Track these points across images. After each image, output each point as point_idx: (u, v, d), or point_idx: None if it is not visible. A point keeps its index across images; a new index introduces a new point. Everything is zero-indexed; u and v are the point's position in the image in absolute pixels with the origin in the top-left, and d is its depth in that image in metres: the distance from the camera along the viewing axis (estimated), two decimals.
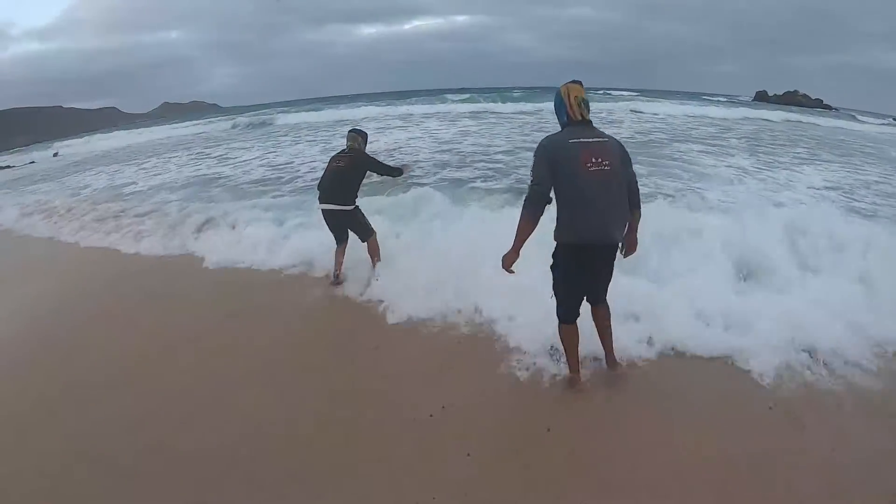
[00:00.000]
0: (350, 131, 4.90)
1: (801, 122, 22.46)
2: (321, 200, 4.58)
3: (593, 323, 2.96)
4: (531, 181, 2.54)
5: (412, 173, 5.42)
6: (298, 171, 10.05)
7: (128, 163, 15.76)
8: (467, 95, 31.82)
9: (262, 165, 11.36)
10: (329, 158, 4.81)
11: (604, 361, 3.03)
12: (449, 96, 29.78)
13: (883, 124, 29.23)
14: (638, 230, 2.82)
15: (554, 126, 2.79)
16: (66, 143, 32.64)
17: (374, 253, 4.65)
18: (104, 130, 35.49)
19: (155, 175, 12.12)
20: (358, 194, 4.63)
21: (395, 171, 4.73)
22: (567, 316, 2.81)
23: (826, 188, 7.90)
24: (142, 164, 14.93)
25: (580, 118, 2.63)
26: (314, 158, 11.28)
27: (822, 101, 48.43)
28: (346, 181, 4.54)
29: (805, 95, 50.22)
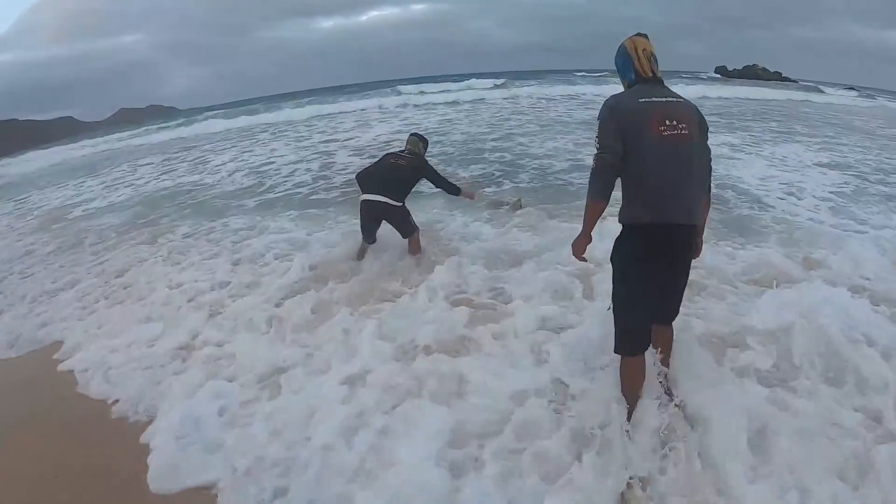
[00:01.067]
0: (412, 135, 4.83)
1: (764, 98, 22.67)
2: (369, 191, 4.38)
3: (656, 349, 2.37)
4: (598, 148, 2.12)
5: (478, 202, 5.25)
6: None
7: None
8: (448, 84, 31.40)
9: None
10: (383, 154, 4.71)
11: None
12: (426, 87, 29.30)
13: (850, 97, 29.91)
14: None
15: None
16: (24, 156, 31.05)
17: (416, 250, 4.55)
18: (61, 142, 33.90)
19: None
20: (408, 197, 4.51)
21: (453, 188, 4.61)
22: (635, 343, 2.27)
23: (827, 166, 8.00)
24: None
25: (651, 74, 2.24)
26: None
27: (780, 73, 50.06)
28: (402, 179, 4.42)
29: (764, 69, 51.75)
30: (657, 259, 2.17)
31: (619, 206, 2.20)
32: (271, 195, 7.87)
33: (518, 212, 5.64)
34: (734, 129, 11.99)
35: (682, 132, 2.10)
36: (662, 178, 2.08)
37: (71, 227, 7.84)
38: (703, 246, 2.47)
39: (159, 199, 8.79)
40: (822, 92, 30.79)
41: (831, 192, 6.42)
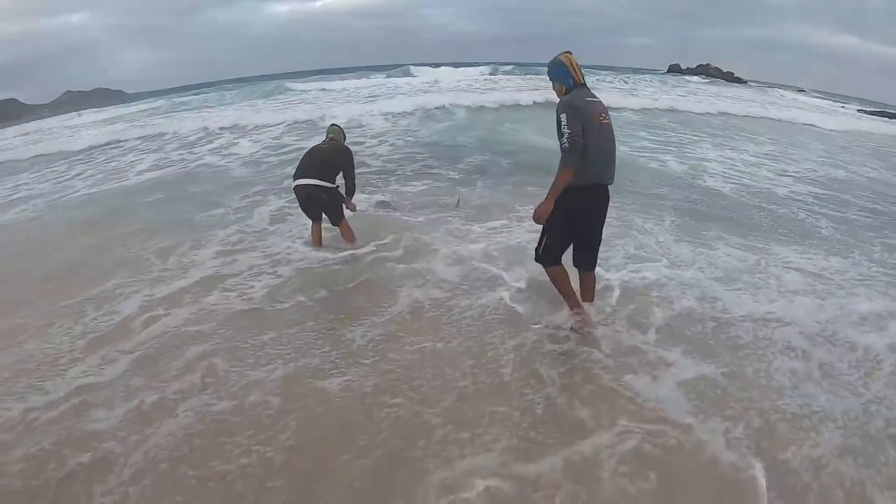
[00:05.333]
0: (332, 125, 5.26)
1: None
2: (300, 177, 4.64)
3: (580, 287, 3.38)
4: (569, 135, 2.89)
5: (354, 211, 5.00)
6: None
7: None
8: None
9: None
10: (308, 149, 4.97)
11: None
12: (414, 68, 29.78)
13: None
14: None
15: None
16: None
17: (350, 238, 4.78)
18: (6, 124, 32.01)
19: None
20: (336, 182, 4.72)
21: (351, 189, 4.87)
22: (556, 259, 3.22)
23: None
24: None
25: (583, 81, 3.15)
26: None
27: (732, 73, 52.45)
28: (328, 162, 4.71)
29: (717, 68, 54.04)
30: (583, 213, 3.13)
31: None
32: None
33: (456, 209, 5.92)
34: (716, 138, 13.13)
35: (607, 121, 3.11)
36: (601, 152, 3.03)
37: None
38: None
39: None
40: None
41: None
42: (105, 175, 10.08)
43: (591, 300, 3.46)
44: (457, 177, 7.80)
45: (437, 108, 15.39)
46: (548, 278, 3.35)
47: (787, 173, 9.57)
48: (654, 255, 4.64)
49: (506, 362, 3.03)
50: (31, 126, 23.75)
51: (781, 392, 2.78)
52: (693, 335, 3.31)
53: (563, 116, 2.94)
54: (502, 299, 3.73)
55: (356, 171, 4.98)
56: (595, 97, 3.14)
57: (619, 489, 2.17)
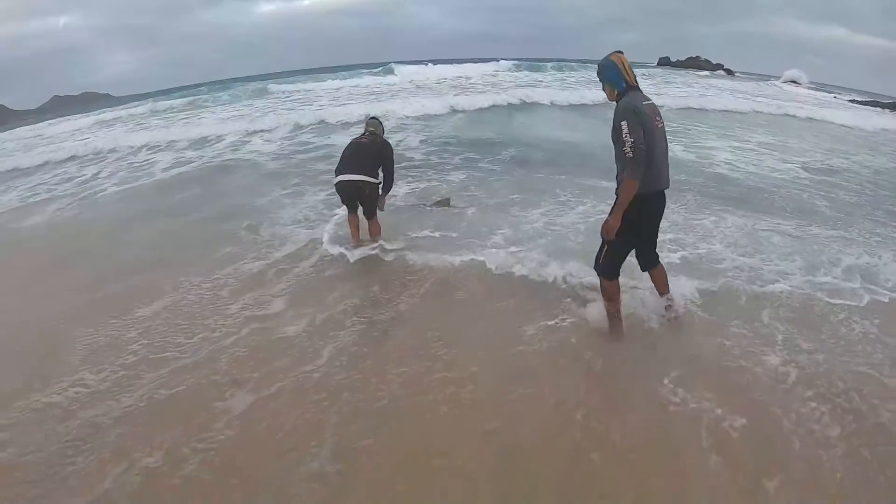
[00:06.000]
0: (371, 118, 5.18)
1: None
2: (342, 172, 4.63)
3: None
4: (632, 143, 2.75)
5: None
6: None
7: None
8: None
9: None
10: (347, 143, 4.94)
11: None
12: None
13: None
14: None
15: None
16: None
17: (377, 232, 4.83)
18: None
19: None
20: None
21: (392, 181, 4.86)
22: (615, 272, 3.13)
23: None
24: None
25: (635, 83, 2.98)
26: None
27: (722, 65, 52.89)
28: (371, 156, 4.69)
29: (707, 60, 54.43)
30: (644, 219, 3.03)
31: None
32: None
33: (444, 209, 5.91)
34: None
35: (662, 124, 2.99)
36: (660, 158, 2.92)
37: None
38: None
39: None
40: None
41: None
42: (127, 173, 10.09)
43: (668, 291, 3.42)
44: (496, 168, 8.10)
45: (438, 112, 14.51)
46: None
47: None
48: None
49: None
50: (21, 132, 22.75)
51: None
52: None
53: (624, 124, 2.79)
54: None
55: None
56: (649, 99, 2.98)
57: None
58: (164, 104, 22.88)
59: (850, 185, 8.32)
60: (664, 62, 61.16)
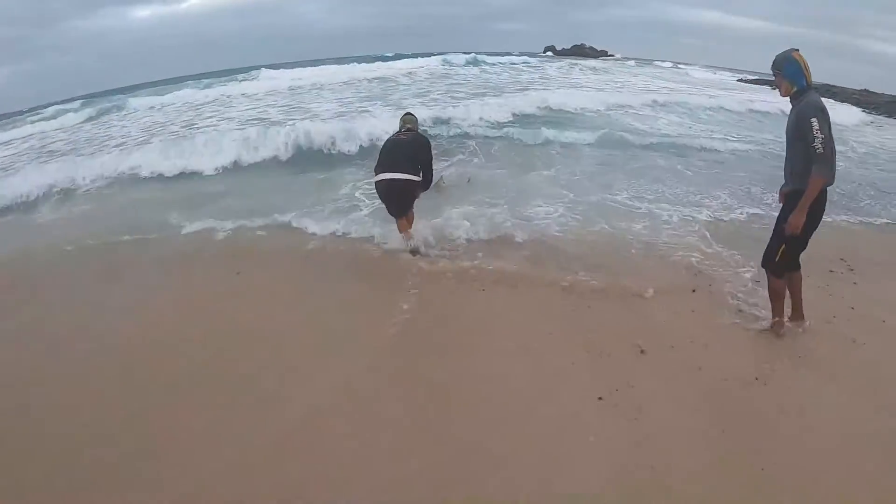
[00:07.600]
0: (407, 113, 5.05)
1: None
2: (384, 171, 4.49)
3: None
4: (822, 140, 2.83)
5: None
6: None
7: None
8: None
9: None
10: (385, 140, 4.87)
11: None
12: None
13: None
14: None
15: None
16: None
17: (406, 227, 4.66)
18: None
19: None
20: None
21: (431, 178, 4.80)
22: (788, 269, 3.23)
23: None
24: None
25: (812, 83, 3.01)
26: None
27: (606, 51, 57.13)
28: (412, 153, 4.58)
29: (591, 47, 58.19)
30: (821, 212, 3.11)
31: None
32: None
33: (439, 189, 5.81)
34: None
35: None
36: (835, 154, 2.97)
37: None
38: None
39: None
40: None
41: None
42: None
43: (801, 315, 3.44)
44: None
45: None
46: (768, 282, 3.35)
47: None
48: None
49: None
50: None
51: None
52: None
53: (815, 121, 2.85)
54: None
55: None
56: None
57: None
58: None
59: None
60: (550, 49, 63.09)
